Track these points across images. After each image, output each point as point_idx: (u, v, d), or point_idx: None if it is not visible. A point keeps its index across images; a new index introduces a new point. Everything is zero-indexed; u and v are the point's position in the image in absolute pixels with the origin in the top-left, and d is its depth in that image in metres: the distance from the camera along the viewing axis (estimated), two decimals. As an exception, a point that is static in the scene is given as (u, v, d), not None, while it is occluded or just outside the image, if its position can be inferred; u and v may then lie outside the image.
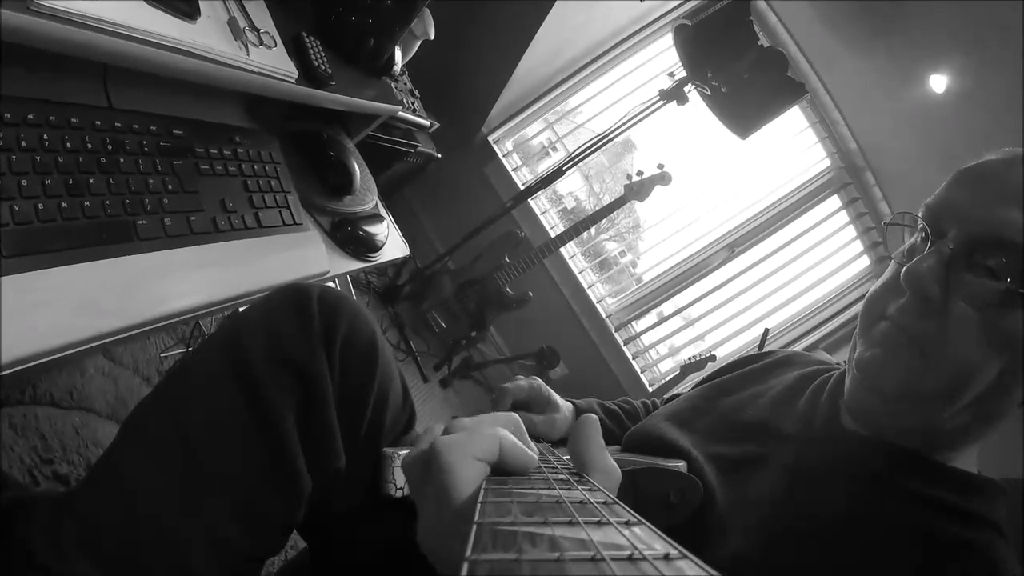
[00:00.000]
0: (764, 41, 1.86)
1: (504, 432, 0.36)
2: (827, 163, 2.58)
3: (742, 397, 0.73)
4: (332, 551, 0.69)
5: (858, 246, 2.59)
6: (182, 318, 0.58)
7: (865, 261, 2.60)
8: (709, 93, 1.86)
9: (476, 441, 0.34)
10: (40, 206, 0.49)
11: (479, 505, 0.26)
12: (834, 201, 2.59)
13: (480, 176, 2.70)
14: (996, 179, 0.53)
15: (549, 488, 0.30)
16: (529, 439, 0.41)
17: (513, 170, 2.72)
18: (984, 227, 0.50)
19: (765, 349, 2.31)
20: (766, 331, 2.28)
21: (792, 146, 2.63)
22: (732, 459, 0.64)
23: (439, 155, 2.02)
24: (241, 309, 0.60)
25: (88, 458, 0.99)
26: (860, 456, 0.57)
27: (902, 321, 0.54)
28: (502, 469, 0.35)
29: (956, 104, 1.82)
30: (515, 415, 0.42)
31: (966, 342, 0.50)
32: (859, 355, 0.58)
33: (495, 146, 2.70)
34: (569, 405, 0.88)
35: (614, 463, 0.38)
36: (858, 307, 0.60)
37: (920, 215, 0.56)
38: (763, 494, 0.58)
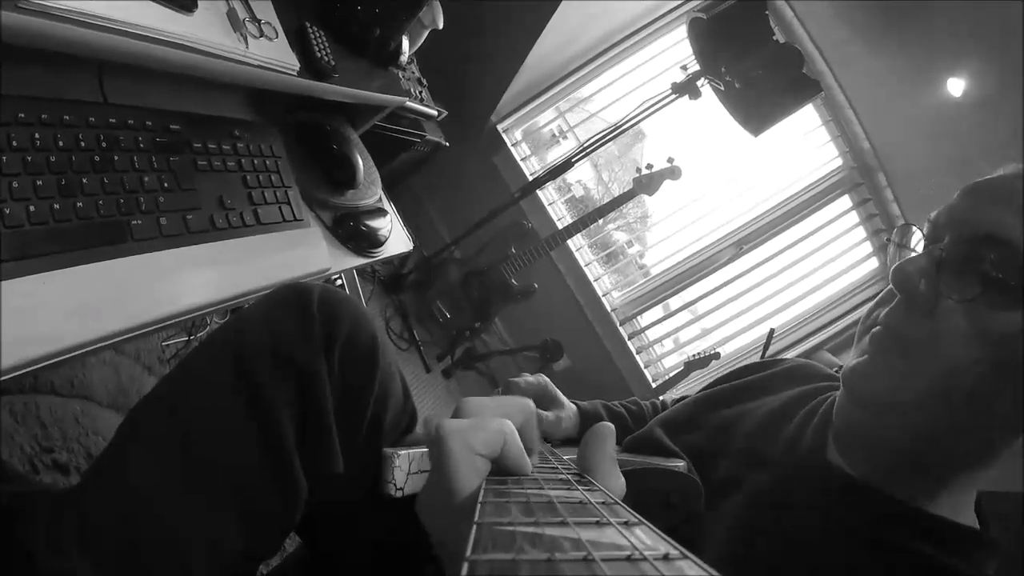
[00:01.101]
0: (780, 37, 1.82)
1: (511, 429, 0.35)
2: (839, 162, 2.54)
3: (734, 412, 0.71)
4: (331, 552, 0.69)
5: (867, 248, 2.56)
6: (179, 319, 0.58)
7: (874, 263, 2.57)
8: (722, 88, 1.82)
9: (481, 433, 0.34)
10: (31, 208, 0.48)
11: (479, 505, 0.26)
12: (845, 201, 2.55)
13: (488, 165, 2.68)
14: (996, 188, 0.51)
15: (549, 489, 0.30)
16: (536, 431, 0.41)
17: (522, 160, 2.69)
18: (975, 227, 0.49)
19: (771, 349, 2.30)
20: (771, 331, 2.27)
21: (804, 144, 2.60)
22: (713, 475, 0.63)
23: (447, 144, 2.00)
24: (244, 308, 0.60)
25: (88, 447, 1.00)
26: (838, 496, 0.55)
27: (890, 322, 0.53)
28: (498, 466, 0.34)
29: (973, 109, 1.78)
30: (528, 402, 0.41)
31: (955, 342, 0.48)
32: (846, 366, 0.56)
33: (504, 135, 2.67)
34: (573, 407, 0.88)
35: (622, 480, 0.37)
36: (866, 309, 0.59)
37: (923, 228, 0.55)
38: (731, 520, 0.57)
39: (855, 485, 0.55)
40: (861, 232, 2.56)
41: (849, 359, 0.57)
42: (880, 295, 0.57)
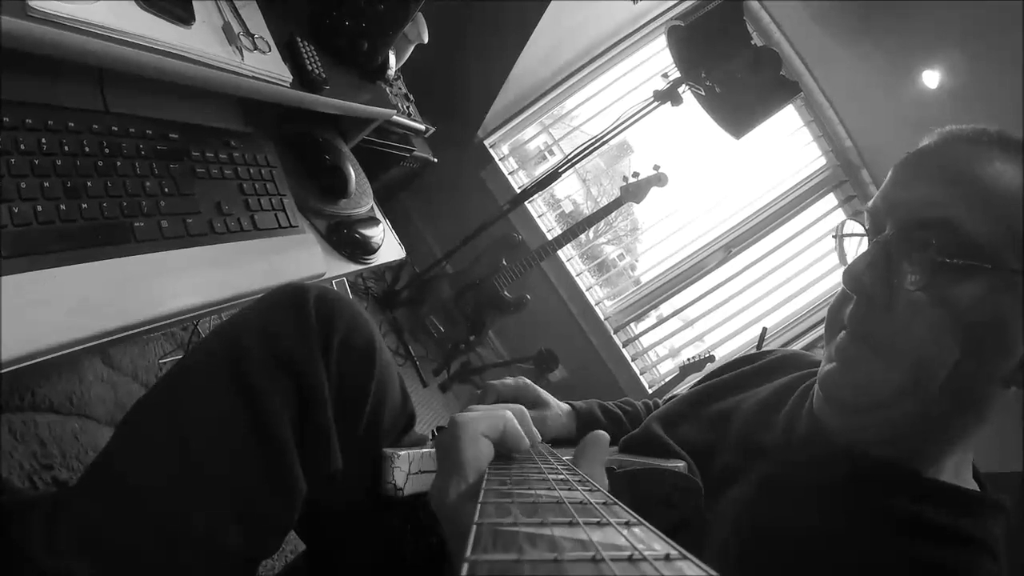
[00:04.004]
0: (757, 40, 1.87)
1: (510, 416, 0.41)
2: (822, 161, 2.59)
3: (728, 404, 0.72)
4: (331, 552, 0.69)
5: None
6: (178, 319, 0.59)
7: (862, 259, 2.59)
8: (703, 93, 1.86)
9: (486, 419, 0.40)
10: (39, 208, 0.49)
11: (479, 505, 0.26)
12: (830, 199, 2.59)
13: (477, 180, 2.70)
14: (922, 162, 0.52)
15: (549, 489, 0.30)
16: (532, 426, 0.45)
17: (510, 174, 2.73)
18: (908, 211, 0.50)
19: (764, 348, 2.31)
20: (764, 330, 2.28)
21: (787, 145, 2.63)
22: (711, 469, 0.63)
23: (435, 159, 2.03)
24: (241, 308, 0.61)
25: (87, 464, 0.99)
26: (840, 471, 0.55)
27: (853, 324, 0.53)
28: (502, 448, 0.40)
29: (950, 99, 1.83)
30: (515, 405, 0.46)
31: (917, 330, 0.48)
32: (821, 370, 0.57)
33: (491, 150, 2.71)
34: (566, 407, 0.88)
35: (607, 484, 0.39)
36: (827, 310, 0.59)
37: (864, 218, 0.55)
38: (734, 510, 0.57)
39: (858, 459, 0.55)
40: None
41: (822, 362, 0.57)
42: (836, 295, 0.57)
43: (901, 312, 0.49)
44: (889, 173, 0.54)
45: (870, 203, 0.55)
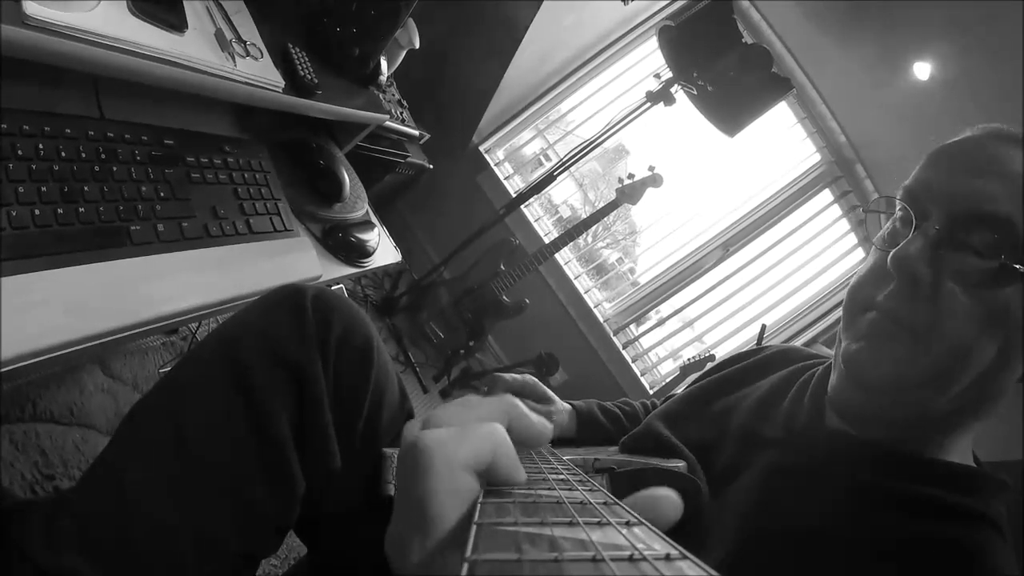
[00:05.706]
0: (748, 38, 1.88)
1: (501, 434, 0.29)
2: (817, 158, 2.59)
3: (728, 401, 0.72)
4: (332, 553, 0.69)
5: (852, 239, 2.60)
6: (174, 320, 0.59)
7: (860, 254, 2.60)
8: (696, 93, 1.87)
9: (467, 443, 0.27)
10: (36, 212, 0.50)
11: (479, 505, 0.25)
12: (826, 195, 2.60)
13: (473, 186, 2.71)
14: (972, 154, 0.52)
15: (549, 488, 0.29)
16: (532, 417, 0.34)
17: (505, 179, 2.74)
18: (967, 203, 0.49)
19: (763, 344, 2.32)
20: (763, 327, 2.28)
21: (781, 142, 2.64)
22: (714, 466, 0.63)
23: (431, 166, 2.04)
24: (239, 309, 0.61)
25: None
26: (843, 457, 0.56)
27: (891, 308, 0.52)
28: (489, 477, 0.28)
29: (941, 91, 1.83)
30: (510, 398, 0.34)
31: (961, 324, 0.48)
32: (845, 348, 0.56)
33: (486, 155, 2.72)
34: (567, 407, 0.88)
35: None
36: (851, 285, 0.58)
37: (899, 198, 0.54)
38: (740, 503, 0.57)
39: (862, 444, 0.56)
40: (845, 224, 2.60)
41: (844, 341, 0.56)
42: (869, 268, 0.56)
43: (944, 304, 0.49)
44: (924, 159, 0.54)
45: (908, 182, 0.54)
